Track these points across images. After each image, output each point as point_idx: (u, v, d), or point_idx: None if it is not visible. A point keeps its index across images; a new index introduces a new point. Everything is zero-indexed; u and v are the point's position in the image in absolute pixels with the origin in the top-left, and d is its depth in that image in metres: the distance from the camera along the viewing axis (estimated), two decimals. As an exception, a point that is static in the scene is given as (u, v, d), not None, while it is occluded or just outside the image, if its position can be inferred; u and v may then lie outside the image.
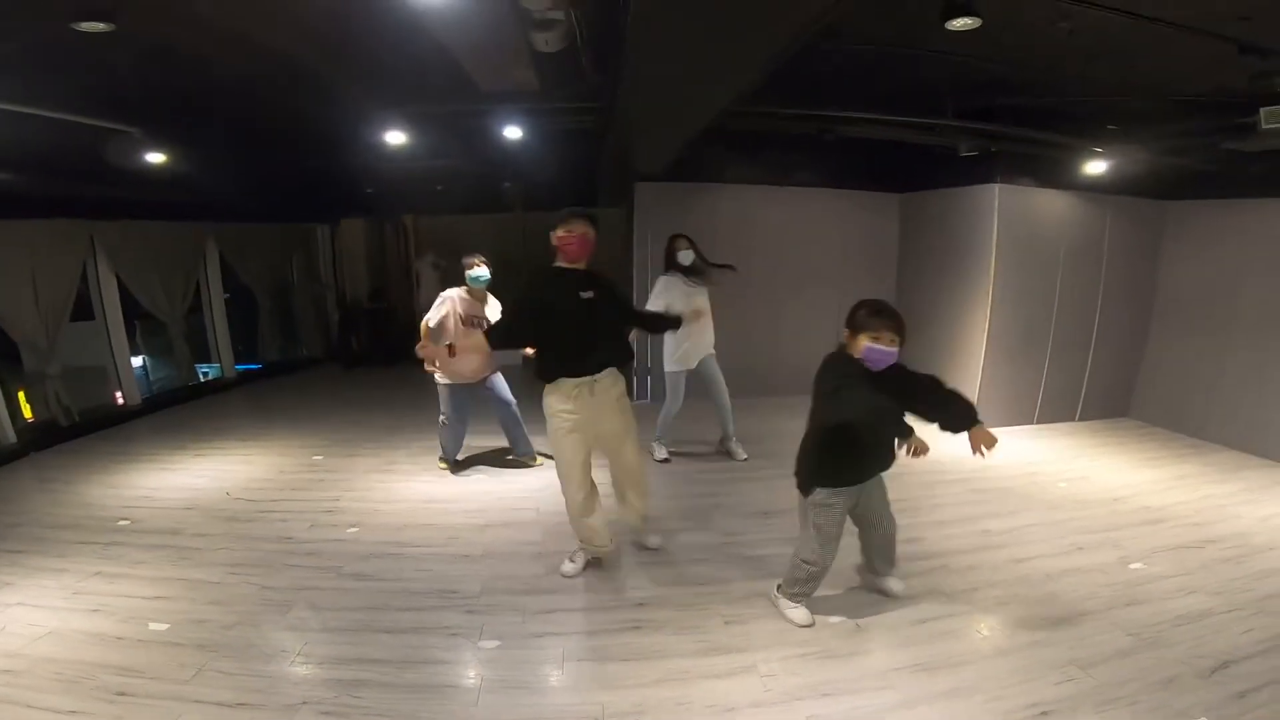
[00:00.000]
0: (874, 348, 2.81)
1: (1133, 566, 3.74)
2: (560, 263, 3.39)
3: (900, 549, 3.87)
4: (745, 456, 5.45)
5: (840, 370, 2.87)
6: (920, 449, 2.65)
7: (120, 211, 6.82)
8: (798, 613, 3.21)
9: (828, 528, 3.06)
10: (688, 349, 5.18)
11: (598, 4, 3.18)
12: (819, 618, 3.21)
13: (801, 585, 3.19)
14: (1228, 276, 5.81)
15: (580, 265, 3.39)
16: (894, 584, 3.41)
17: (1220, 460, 5.49)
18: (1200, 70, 4.02)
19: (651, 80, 3.38)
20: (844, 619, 3.23)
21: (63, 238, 6.31)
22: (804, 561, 3.13)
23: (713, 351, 5.31)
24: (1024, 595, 3.45)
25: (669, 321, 3.99)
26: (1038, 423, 6.41)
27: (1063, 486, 4.92)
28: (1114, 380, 6.61)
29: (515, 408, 5.07)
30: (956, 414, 2.92)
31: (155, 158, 5.22)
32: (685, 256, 5.12)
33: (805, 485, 3.11)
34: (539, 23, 3.08)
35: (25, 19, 3.21)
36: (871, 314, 2.84)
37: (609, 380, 3.45)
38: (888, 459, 3.05)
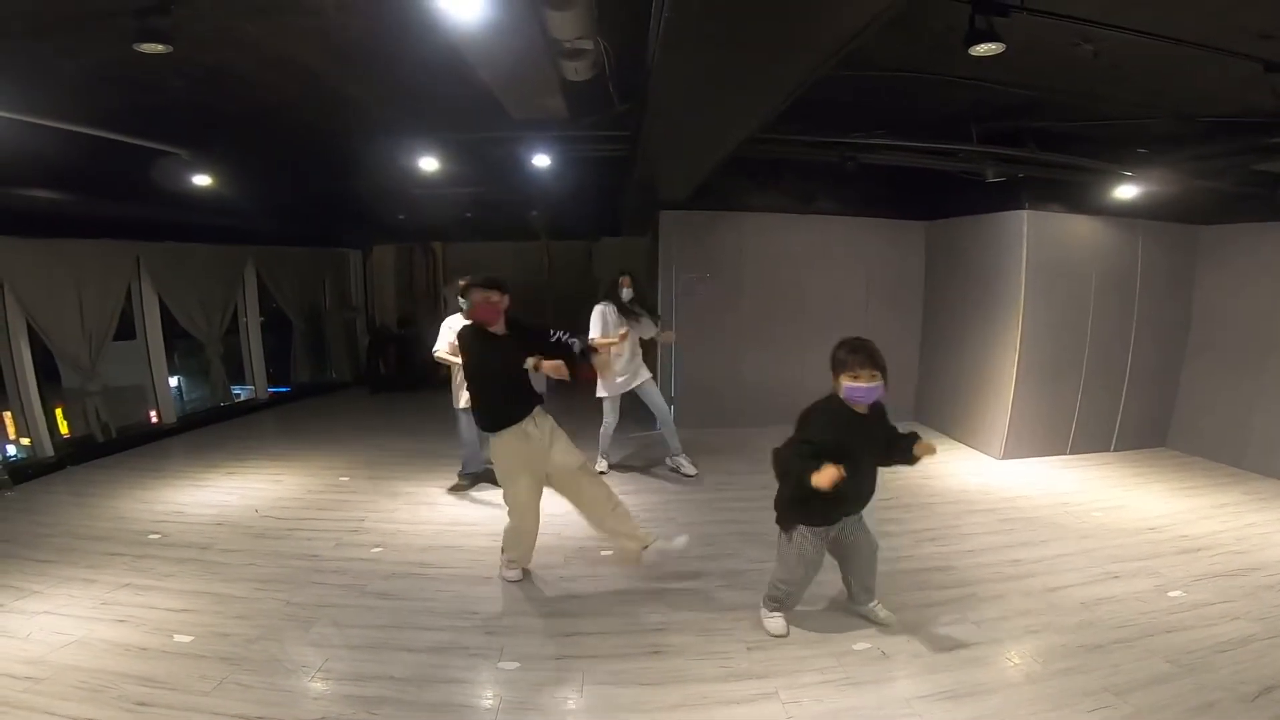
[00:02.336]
0: (854, 386, 2.85)
1: (1172, 594, 3.65)
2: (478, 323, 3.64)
3: (928, 577, 3.85)
4: (694, 471, 5.70)
5: (813, 422, 2.94)
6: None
7: (164, 233, 7.04)
8: (773, 622, 3.27)
9: (804, 553, 3.13)
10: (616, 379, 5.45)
11: (626, 35, 3.26)
12: (845, 646, 3.16)
13: (779, 602, 3.27)
14: (1264, 301, 5.69)
15: (499, 329, 3.62)
16: (880, 612, 3.34)
17: (1261, 489, 5.34)
18: (1227, 90, 3.97)
19: (677, 108, 3.43)
20: (870, 646, 3.16)
21: (110, 258, 6.54)
22: (780, 582, 3.23)
23: (648, 377, 5.57)
24: (1056, 623, 3.37)
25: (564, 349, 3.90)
26: (1071, 453, 6.27)
27: (1097, 516, 4.80)
28: (1150, 409, 6.46)
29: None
30: (904, 447, 3.01)
31: (202, 180, 5.40)
32: (625, 294, 5.45)
33: (782, 520, 3.19)
34: (569, 52, 3.15)
35: (91, 39, 3.36)
36: (849, 352, 2.87)
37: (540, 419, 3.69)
38: (863, 500, 3.11)
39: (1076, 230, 5.98)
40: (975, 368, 6.46)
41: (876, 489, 3.16)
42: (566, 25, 2.91)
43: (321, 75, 4.13)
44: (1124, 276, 6.12)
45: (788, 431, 3.01)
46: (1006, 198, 5.89)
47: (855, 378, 2.83)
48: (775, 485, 3.18)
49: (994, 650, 3.16)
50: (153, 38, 2.89)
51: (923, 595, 3.64)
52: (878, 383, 2.85)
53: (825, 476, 2.70)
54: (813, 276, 7.16)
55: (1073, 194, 5.77)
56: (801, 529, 3.10)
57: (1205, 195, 5.60)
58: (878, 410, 2.99)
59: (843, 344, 2.92)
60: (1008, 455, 6.10)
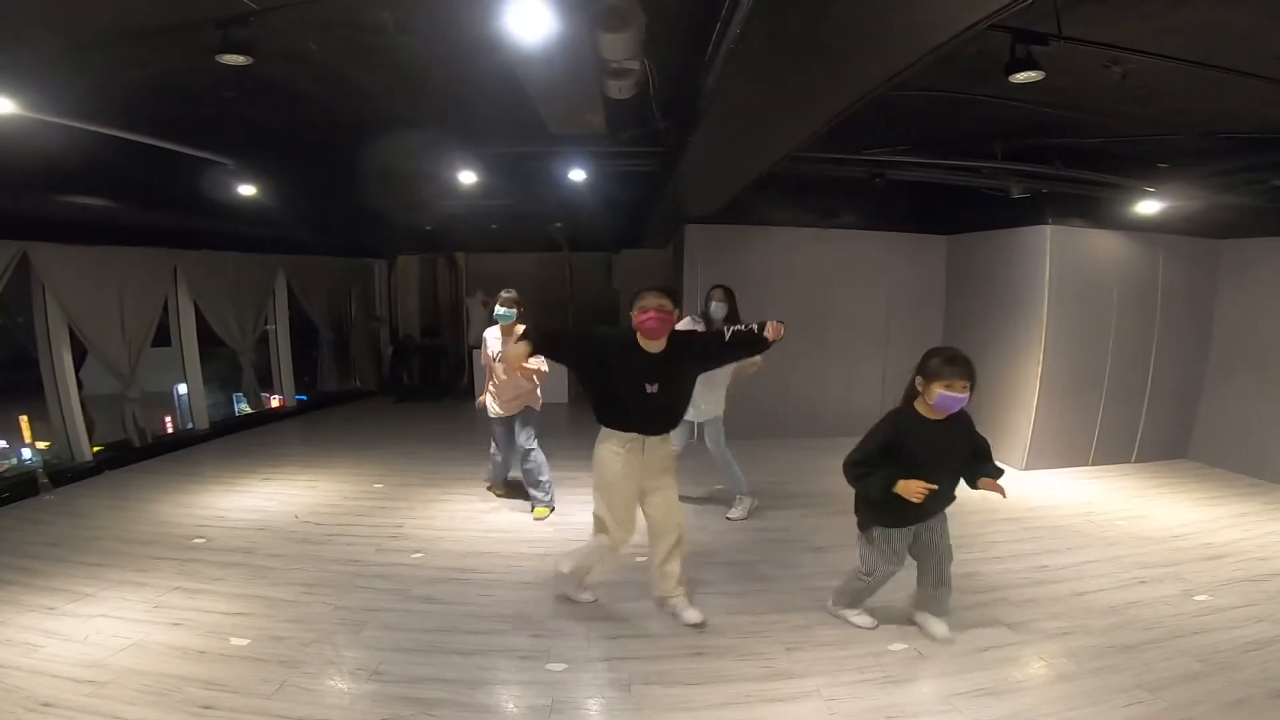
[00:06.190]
0: (946, 395, 2.94)
1: (1198, 598, 3.75)
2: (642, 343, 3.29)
3: (956, 581, 3.85)
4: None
5: (891, 430, 3.05)
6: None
7: (201, 241, 7.18)
8: (863, 618, 3.44)
9: (883, 550, 3.24)
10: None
11: (668, 55, 3.37)
12: (881, 646, 3.26)
13: (856, 595, 3.42)
14: (1286, 314, 5.75)
15: (658, 346, 3.29)
16: (935, 626, 3.37)
17: (1283, 499, 5.40)
18: (1249, 109, 4.09)
19: (728, 129, 3.53)
20: (906, 647, 3.26)
21: (150, 266, 6.67)
22: (863, 574, 3.33)
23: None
24: (1087, 625, 3.47)
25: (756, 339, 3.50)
26: (1093, 464, 6.34)
27: (1121, 524, 4.88)
28: (1171, 421, 6.53)
29: (530, 454, 5.01)
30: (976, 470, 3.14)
31: (246, 189, 5.49)
32: (717, 310, 4.84)
33: (862, 524, 3.30)
34: (615, 71, 3.26)
35: (169, 49, 3.46)
36: (945, 362, 2.96)
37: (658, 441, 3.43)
38: (940, 505, 3.19)
39: (1099, 245, 6.06)
40: (997, 380, 6.51)
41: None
42: (617, 47, 3.02)
43: (370, 90, 4.25)
44: (1146, 290, 6.21)
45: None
46: (1029, 212, 5.98)
47: (949, 386, 2.93)
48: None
49: (1027, 650, 3.25)
50: (234, 49, 2.99)
51: (953, 599, 3.69)
52: (967, 394, 2.96)
53: (909, 488, 2.89)
54: (834, 290, 7.25)
55: (1095, 209, 5.86)
56: (878, 529, 3.22)
57: (1227, 210, 5.69)
58: (961, 420, 3.09)
59: (938, 353, 3.01)
60: (1030, 466, 6.18)
